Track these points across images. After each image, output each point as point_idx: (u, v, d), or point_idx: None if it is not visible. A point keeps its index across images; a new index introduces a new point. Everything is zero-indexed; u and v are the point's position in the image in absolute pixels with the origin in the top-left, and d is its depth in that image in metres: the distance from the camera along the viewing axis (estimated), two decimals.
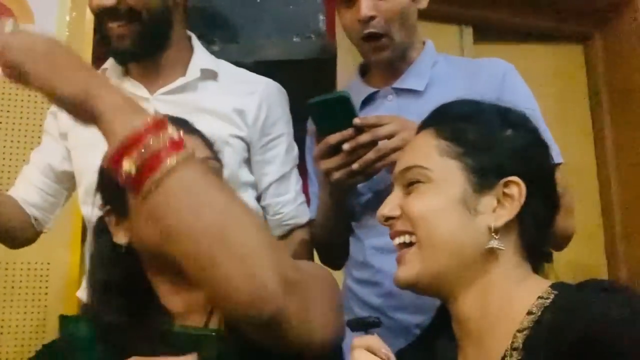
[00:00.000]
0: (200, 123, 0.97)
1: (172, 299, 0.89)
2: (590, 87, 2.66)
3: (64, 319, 0.91)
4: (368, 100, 1.34)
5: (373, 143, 1.11)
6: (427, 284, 0.83)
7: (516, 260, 0.82)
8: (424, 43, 1.38)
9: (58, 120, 1.43)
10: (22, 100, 1.88)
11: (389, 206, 0.87)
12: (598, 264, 2.49)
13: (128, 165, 0.64)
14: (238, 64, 1.45)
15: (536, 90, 1.30)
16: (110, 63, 1.40)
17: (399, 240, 0.86)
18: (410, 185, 0.86)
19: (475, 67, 1.33)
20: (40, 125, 1.76)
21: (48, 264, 1.86)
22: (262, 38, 1.63)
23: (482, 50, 2.43)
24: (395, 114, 1.18)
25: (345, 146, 1.10)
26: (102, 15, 1.31)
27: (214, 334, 0.85)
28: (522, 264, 0.83)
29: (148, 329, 0.86)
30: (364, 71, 1.42)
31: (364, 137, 1.10)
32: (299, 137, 1.45)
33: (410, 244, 0.84)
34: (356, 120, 1.10)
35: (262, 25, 1.65)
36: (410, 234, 0.84)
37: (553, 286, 0.78)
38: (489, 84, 1.24)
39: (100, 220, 0.93)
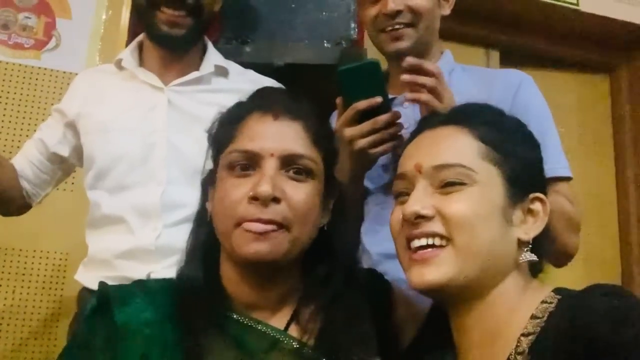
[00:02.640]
0: (214, 116, 0.99)
1: (237, 287, 0.87)
2: (614, 118, 2.66)
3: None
4: None
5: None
6: (455, 290, 0.78)
7: (524, 270, 0.82)
8: (441, 53, 1.38)
9: (70, 106, 1.46)
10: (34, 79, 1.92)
11: (421, 203, 0.79)
12: None
13: None
14: (269, 65, 1.49)
15: (560, 118, 1.30)
16: (125, 54, 1.45)
17: (426, 241, 0.79)
18: (447, 185, 0.79)
19: (491, 76, 1.33)
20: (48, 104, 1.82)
21: (67, 254, 1.88)
22: (294, 41, 1.67)
23: None
24: (410, 121, 1.16)
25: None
26: (157, 1, 1.33)
27: (295, 343, 0.84)
28: (527, 273, 0.82)
29: (214, 312, 0.84)
30: (385, 79, 1.42)
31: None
32: None
33: (439, 247, 0.78)
34: (409, 59, 1.08)
35: (295, 29, 1.69)
36: (443, 237, 0.78)
37: (555, 291, 0.77)
38: (503, 93, 1.23)
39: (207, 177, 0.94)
